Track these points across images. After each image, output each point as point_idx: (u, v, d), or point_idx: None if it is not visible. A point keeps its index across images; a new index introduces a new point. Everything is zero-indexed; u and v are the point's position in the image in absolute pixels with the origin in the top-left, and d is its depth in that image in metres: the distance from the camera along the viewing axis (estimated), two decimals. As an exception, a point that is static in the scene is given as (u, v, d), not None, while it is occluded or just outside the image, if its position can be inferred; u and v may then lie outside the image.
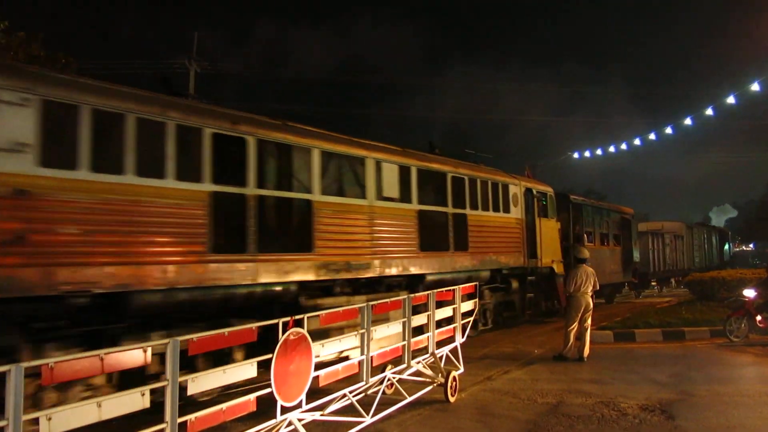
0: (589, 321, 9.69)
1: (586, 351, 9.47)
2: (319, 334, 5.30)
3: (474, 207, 10.99)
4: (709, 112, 21.96)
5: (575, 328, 9.58)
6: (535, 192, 13.35)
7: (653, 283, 27.09)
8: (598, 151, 30.49)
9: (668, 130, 24.89)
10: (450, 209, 10.32)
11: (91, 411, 3.18)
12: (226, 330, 4.20)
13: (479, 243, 10.94)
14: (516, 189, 12.53)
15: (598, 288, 9.94)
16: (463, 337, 7.70)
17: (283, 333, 4.53)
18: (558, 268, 14.00)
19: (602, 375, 8.32)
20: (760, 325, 10.74)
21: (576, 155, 33.13)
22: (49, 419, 2.95)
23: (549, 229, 13.78)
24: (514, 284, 12.56)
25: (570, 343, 9.52)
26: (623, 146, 28.22)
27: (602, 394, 7.17)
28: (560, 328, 13.36)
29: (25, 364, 2.85)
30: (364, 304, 5.75)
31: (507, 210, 12.01)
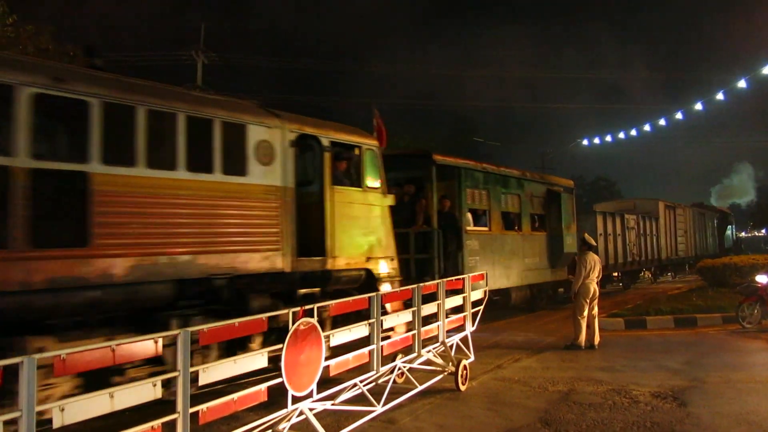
0: (597, 308, 9.69)
1: (597, 338, 9.46)
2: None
3: (125, 161, 5.48)
4: (720, 96, 21.77)
5: (586, 316, 9.56)
6: (325, 143, 7.51)
7: (614, 276, 20.49)
8: (608, 138, 30.33)
9: (679, 116, 24.73)
10: (23, 161, 4.80)
11: (103, 402, 3.19)
12: (236, 320, 4.20)
13: (139, 229, 5.55)
14: (269, 135, 6.83)
15: (601, 276, 9.99)
16: (473, 325, 7.69)
17: (294, 323, 4.54)
18: (385, 269, 8.09)
19: (613, 362, 8.29)
20: None
21: (585, 142, 32.97)
22: (62, 410, 2.97)
23: (361, 208, 7.90)
24: (255, 303, 6.55)
25: (582, 332, 9.50)
26: (633, 132, 28.07)
27: (614, 381, 7.15)
28: (571, 315, 13.34)
29: (38, 356, 2.87)
30: (374, 294, 5.74)
31: (239, 170, 6.46)
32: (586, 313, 9.54)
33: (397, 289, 6.40)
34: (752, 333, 10.34)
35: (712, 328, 11.04)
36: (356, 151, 8.01)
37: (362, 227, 7.91)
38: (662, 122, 25.86)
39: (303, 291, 7.13)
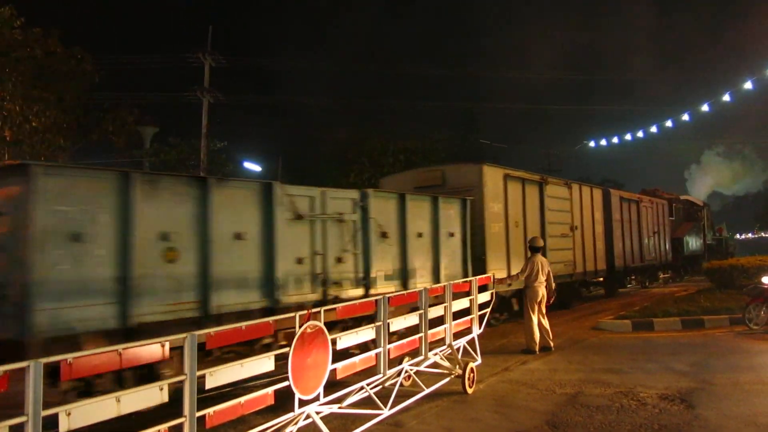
0: (544, 311, 9.67)
1: (550, 340, 9.51)
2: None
3: None
4: (727, 98, 21.70)
5: (535, 320, 9.52)
6: None
7: None
8: (615, 140, 30.25)
9: (686, 117, 24.65)
10: None
11: (110, 406, 3.19)
12: (243, 324, 4.20)
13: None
14: None
15: (552, 279, 9.80)
16: (480, 328, 7.67)
17: (300, 326, 4.53)
18: None
19: (621, 365, 8.25)
20: None
21: (592, 143, 32.87)
22: (69, 414, 2.97)
23: None
24: None
25: (534, 336, 9.44)
26: (640, 134, 27.99)
27: (621, 383, 7.11)
28: (577, 317, 13.31)
29: (44, 360, 2.87)
30: (381, 296, 5.73)
31: None
32: (535, 317, 9.50)
33: (404, 292, 6.38)
34: (759, 334, 10.27)
35: (720, 329, 10.97)
36: None
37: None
38: (669, 123, 25.74)
39: None
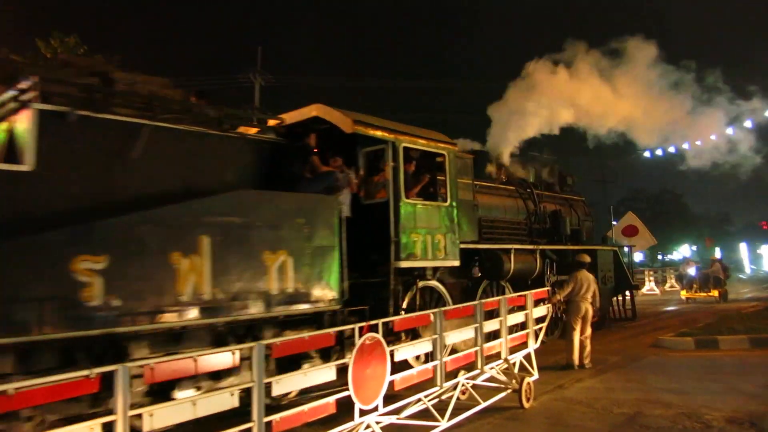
0: (589, 329, 9.50)
1: (587, 358, 9.35)
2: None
3: None
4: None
5: (577, 335, 9.40)
6: None
7: None
8: (671, 149, 29.31)
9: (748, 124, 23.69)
10: None
11: (186, 409, 3.41)
12: (306, 334, 4.37)
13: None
14: None
15: (598, 296, 9.68)
16: (536, 343, 7.63)
17: (359, 338, 4.66)
18: None
19: (683, 384, 8.00)
20: None
21: (647, 154, 31.96)
22: (151, 416, 3.19)
23: None
24: None
25: (575, 351, 9.33)
26: (698, 143, 27.05)
27: (684, 404, 6.90)
28: (635, 334, 13.00)
29: (131, 365, 3.10)
30: (437, 310, 5.81)
31: None
32: (577, 331, 9.37)
33: (459, 306, 6.44)
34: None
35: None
36: None
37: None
38: (729, 131, 24.78)
39: None
